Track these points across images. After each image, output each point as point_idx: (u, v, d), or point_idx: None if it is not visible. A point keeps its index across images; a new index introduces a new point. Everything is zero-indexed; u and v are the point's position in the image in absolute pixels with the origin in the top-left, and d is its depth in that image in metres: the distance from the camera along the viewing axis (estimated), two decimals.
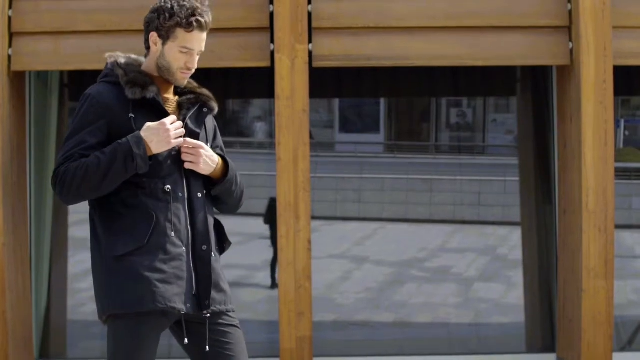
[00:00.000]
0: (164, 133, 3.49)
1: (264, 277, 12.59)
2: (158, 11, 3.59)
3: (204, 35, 3.63)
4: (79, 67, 5.93)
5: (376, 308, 11.08)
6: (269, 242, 12.82)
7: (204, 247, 3.61)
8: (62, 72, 6.60)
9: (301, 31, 5.61)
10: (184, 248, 3.56)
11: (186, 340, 3.58)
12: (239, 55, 5.72)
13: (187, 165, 3.59)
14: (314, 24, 5.67)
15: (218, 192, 3.69)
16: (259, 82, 7.57)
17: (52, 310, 6.58)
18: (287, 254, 5.64)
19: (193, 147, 3.58)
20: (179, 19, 3.56)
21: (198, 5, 3.59)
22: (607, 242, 5.64)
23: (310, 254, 5.67)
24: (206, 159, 3.61)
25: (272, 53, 5.63)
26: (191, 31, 3.58)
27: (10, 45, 5.68)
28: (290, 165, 5.64)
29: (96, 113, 3.55)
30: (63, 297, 6.85)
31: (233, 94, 9.71)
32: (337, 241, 16.04)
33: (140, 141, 3.48)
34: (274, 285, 12.02)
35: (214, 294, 3.60)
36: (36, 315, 6.26)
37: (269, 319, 9.32)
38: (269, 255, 12.67)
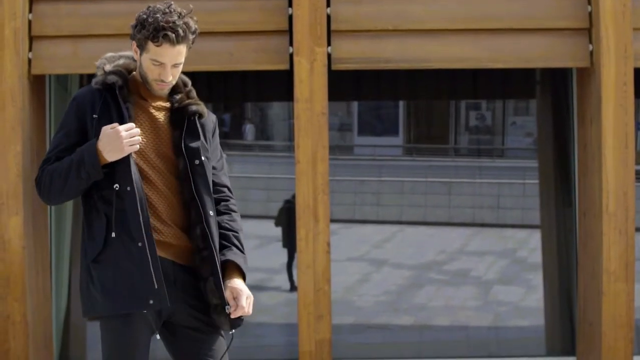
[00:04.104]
0: (117, 140, 3.41)
1: (283, 280, 12.58)
2: (136, 21, 3.57)
3: (179, 48, 3.51)
4: None
5: (395, 311, 11.06)
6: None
7: None
8: (81, 76, 6.62)
9: (320, 34, 5.61)
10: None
11: (158, 336, 3.59)
12: (257, 58, 5.73)
13: (247, 312, 3.56)
14: (332, 27, 5.67)
15: None
16: (277, 85, 7.57)
17: (72, 312, 6.60)
18: (306, 257, 5.64)
19: (241, 308, 3.52)
20: (147, 32, 3.50)
21: (173, 18, 3.49)
22: (628, 245, 5.61)
23: (329, 257, 5.66)
24: (248, 297, 3.55)
25: (291, 56, 5.63)
26: (159, 45, 3.49)
27: (30, 49, 5.70)
28: (309, 168, 5.64)
29: (73, 115, 3.57)
30: None
31: (251, 96, 9.72)
32: (355, 244, 16.01)
33: (93, 150, 3.44)
34: (292, 288, 12.03)
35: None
36: (56, 318, 6.28)
37: (288, 322, 9.32)
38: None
